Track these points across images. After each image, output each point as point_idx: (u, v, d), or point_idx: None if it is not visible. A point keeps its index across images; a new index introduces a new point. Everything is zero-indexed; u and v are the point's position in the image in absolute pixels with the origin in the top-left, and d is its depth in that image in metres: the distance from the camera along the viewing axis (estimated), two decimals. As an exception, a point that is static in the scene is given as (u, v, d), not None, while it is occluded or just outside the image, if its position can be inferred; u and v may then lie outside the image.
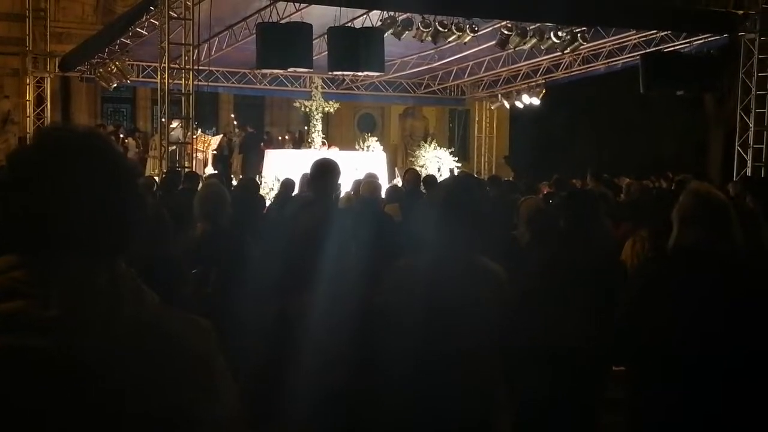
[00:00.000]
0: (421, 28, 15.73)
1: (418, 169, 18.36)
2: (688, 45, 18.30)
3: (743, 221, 4.52)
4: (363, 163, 18.99)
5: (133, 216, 1.52)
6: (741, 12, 17.92)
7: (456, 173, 17.75)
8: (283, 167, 18.21)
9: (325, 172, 5.40)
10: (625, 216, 8.47)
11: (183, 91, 14.79)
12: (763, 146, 18.09)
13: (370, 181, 8.38)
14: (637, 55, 18.80)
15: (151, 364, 1.47)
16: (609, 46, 19.89)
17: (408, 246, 4.81)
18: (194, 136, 19.77)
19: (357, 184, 10.10)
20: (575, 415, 4.70)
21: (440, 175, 18.84)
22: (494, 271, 3.81)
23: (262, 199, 11.32)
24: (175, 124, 17.68)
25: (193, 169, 18.59)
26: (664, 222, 4.01)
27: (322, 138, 21.70)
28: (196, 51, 15.82)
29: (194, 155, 19.77)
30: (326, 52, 15.91)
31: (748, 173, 17.85)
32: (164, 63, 14.36)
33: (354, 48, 14.97)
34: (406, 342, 3.55)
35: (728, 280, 3.38)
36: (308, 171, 10.61)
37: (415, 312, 3.57)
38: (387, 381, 3.54)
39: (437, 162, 22.64)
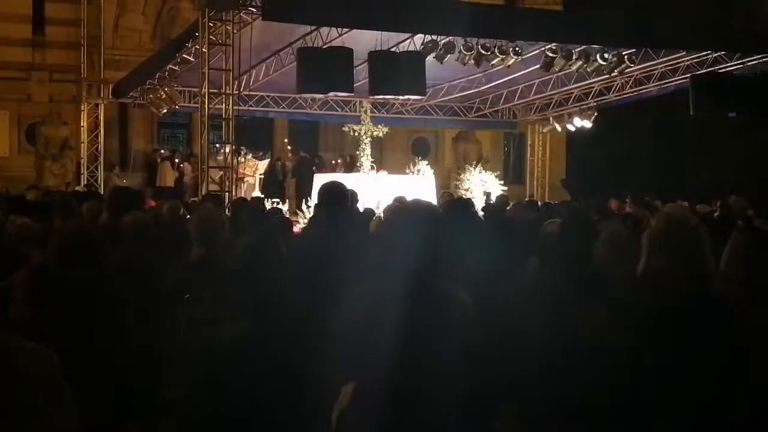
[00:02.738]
0: (464, 52, 15.62)
1: (462, 192, 18.22)
2: (741, 66, 17.87)
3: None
4: (410, 187, 18.93)
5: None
6: (796, 31, 17.50)
7: (494, 197, 17.51)
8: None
9: (328, 195, 5.43)
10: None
11: (223, 116, 14.89)
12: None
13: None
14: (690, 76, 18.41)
15: None
16: (661, 67, 19.53)
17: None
18: (241, 161, 19.98)
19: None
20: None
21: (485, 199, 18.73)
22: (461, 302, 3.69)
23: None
24: (227, 149, 17.88)
25: (242, 194, 18.83)
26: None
27: (371, 162, 21.68)
28: (240, 76, 15.97)
29: (243, 179, 20.01)
30: (370, 77, 15.91)
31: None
32: (204, 89, 14.48)
33: (394, 72, 14.94)
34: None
35: (690, 304, 3.23)
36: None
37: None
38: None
39: (482, 185, 22.42)
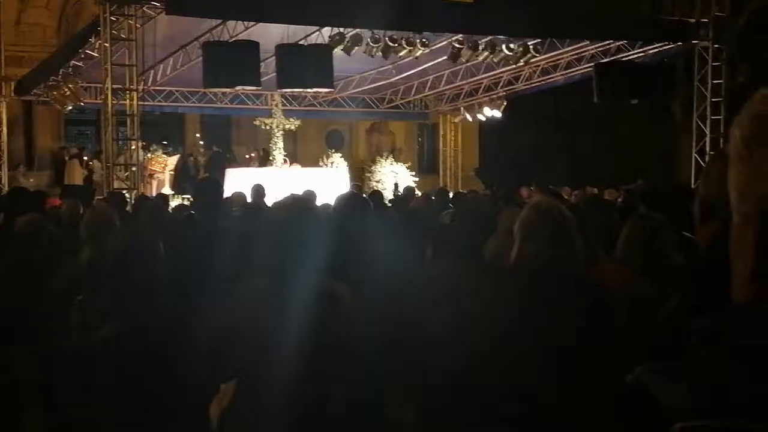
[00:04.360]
0: (371, 44, 15.68)
1: (374, 184, 18.29)
2: (643, 54, 18.32)
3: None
4: (322, 180, 18.90)
5: None
6: (694, 20, 17.96)
7: (403, 188, 17.61)
8: (244, 186, 18.09)
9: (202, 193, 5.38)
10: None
11: (128, 112, 14.66)
12: (720, 153, 18.10)
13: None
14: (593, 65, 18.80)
15: None
16: (567, 56, 19.89)
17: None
18: (149, 157, 19.70)
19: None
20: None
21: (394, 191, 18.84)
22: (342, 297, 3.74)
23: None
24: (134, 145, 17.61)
25: (153, 191, 18.58)
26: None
27: (284, 155, 21.59)
28: (147, 71, 15.74)
29: (153, 176, 19.73)
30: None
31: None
32: (107, 85, 14.22)
33: (302, 65, 14.91)
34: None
35: (562, 295, 3.30)
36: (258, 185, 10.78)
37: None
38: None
39: (394, 177, 22.54)
